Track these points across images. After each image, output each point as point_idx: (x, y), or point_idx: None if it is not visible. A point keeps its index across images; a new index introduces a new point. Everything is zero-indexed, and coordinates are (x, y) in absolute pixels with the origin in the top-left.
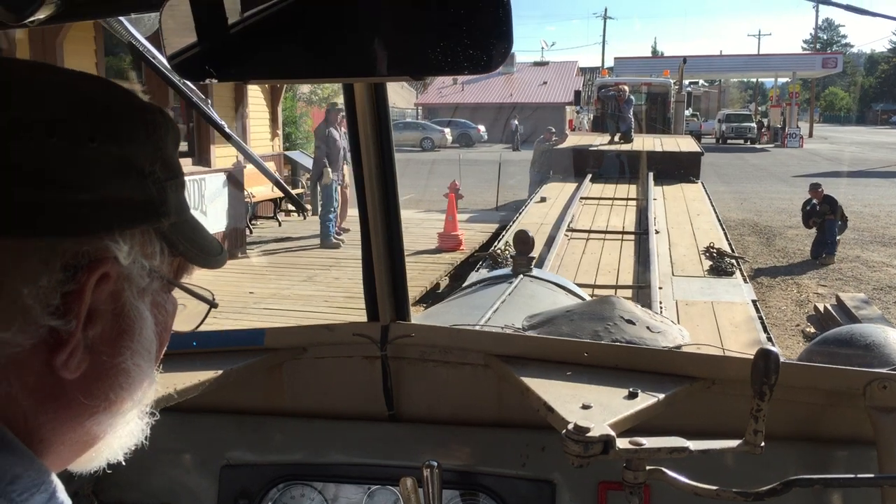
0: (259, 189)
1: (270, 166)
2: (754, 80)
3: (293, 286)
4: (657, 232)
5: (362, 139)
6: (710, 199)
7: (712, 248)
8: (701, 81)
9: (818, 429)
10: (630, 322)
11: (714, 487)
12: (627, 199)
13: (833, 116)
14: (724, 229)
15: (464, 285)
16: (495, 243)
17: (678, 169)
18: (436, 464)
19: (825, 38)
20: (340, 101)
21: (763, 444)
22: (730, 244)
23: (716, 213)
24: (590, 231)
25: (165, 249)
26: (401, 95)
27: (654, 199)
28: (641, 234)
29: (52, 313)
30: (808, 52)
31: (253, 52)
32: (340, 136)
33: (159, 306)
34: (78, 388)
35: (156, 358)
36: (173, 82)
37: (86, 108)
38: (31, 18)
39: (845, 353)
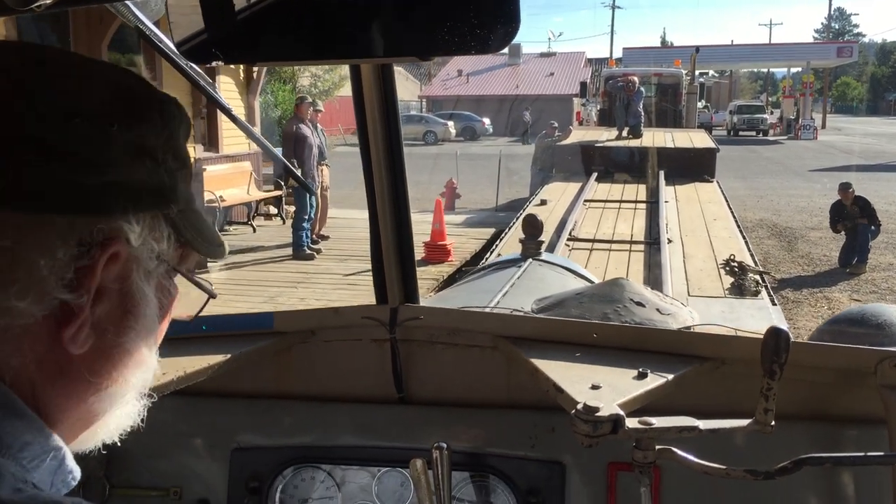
0: (231, 192)
1: (246, 167)
2: (765, 70)
3: (250, 310)
4: (669, 241)
5: (370, 122)
6: (727, 200)
7: (733, 261)
8: (711, 72)
9: (829, 408)
10: (640, 304)
11: (724, 467)
12: (636, 201)
13: (845, 107)
14: (744, 237)
15: (473, 269)
16: (486, 255)
17: (691, 166)
18: (445, 445)
19: (837, 27)
20: (341, 92)
21: (773, 423)
22: (752, 255)
23: (734, 217)
24: (594, 240)
25: (172, 236)
26: (405, 87)
27: (666, 202)
28: (652, 243)
29: (66, 286)
30: (821, 41)
31: (260, 35)
32: (313, 132)
33: (164, 290)
34: (84, 365)
35: (156, 341)
36: (179, 66)
37: (108, 93)
38: (38, 3)
39: (856, 333)
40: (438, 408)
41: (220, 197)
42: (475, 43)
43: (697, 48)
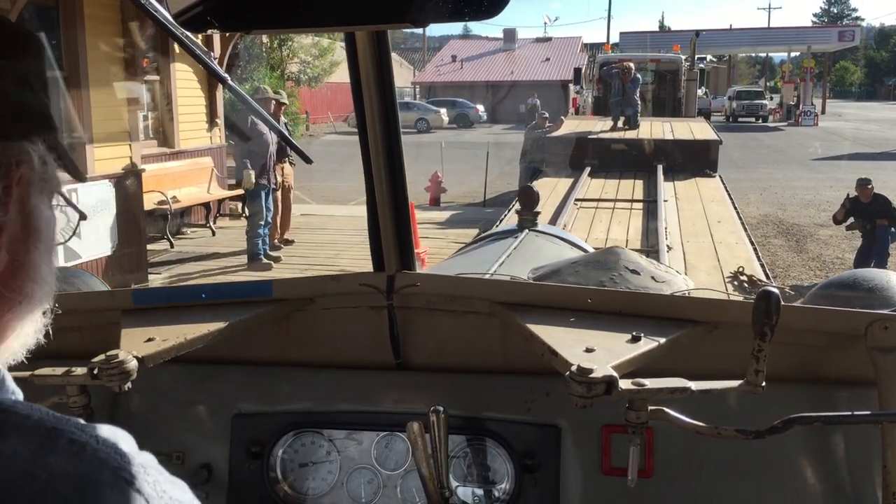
0: (188, 191)
1: (205, 163)
2: (763, 54)
3: None
4: (669, 248)
5: (365, 90)
6: (731, 198)
7: (741, 274)
8: (709, 57)
9: (820, 370)
10: (635, 272)
11: (715, 426)
12: (632, 200)
13: (843, 91)
14: (752, 243)
15: (468, 243)
16: None
17: (692, 160)
18: (442, 409)
19: (835, 11)
20: (332, 78)
21: (764, 384)
22: (763, 266)
23: (740, 218)
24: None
25: (55, 159)
26: (399, 73)
27: (665, 201)
28: (650, 251)
29: None
30: (822, 24)
31: (255, 2)
32: (269, 128)
33: (53, 210)
34: (0, 281)
35: (53, 260)
36: (175, 34)
37: None
38: None
39: (848, 296)
40: (436, 373)
41: (173, 198)
42: (468, 10)
43: (698, 32)
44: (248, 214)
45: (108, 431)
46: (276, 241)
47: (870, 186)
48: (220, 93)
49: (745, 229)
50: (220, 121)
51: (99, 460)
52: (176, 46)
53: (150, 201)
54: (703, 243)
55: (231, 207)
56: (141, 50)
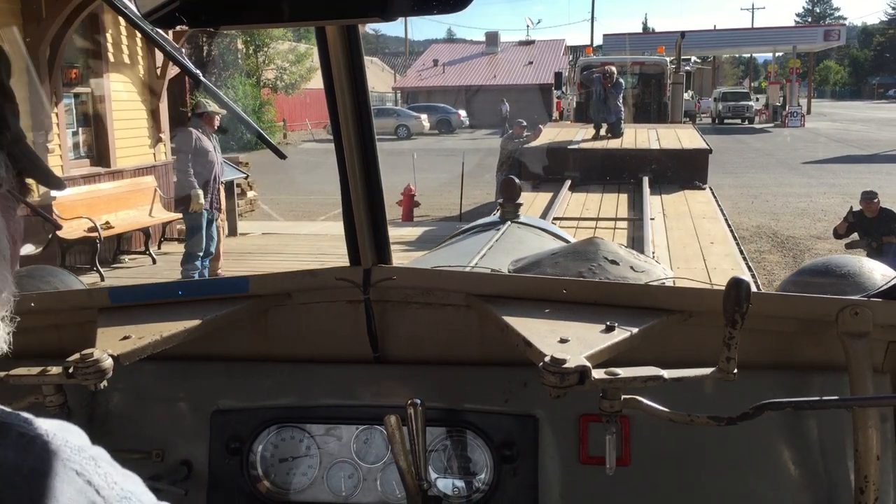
0: (125, 215)
1: (147, 183)
2: (747, 55)
3: None
4: None
5: (336, 84)
6: (723, 213)
7: None
8: (693, 58)
9: (793, 356)
10: (614, 262)
11: (688, 414)
12: (616, 219)
13: (827, 91)
14: (751, 270)
15: (450, 235)
16: None
17: (680, 170)
18: (419, 402)
19: (818, 11)
20: (309, 85)
21: (736, 371)
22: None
23: (734, 237)
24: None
25: (9, 164)
26: (380, 78)
27: (652, 219)
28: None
29: None
30: (807, 24)
31: None
32: (215, 145)
33: (9, 212)
34: None
35: (11, 265)
36: (144, 30)
37: None
38: None
39: (820, 283)
40: (414, 366)
41: (105, 223)
42: (437, 3)
43: (683, 34)
44: (186, 243)
45: (57, 426)
46: (220, 271)
47: (876, 200)
48: (164, 105)
49: (741, 250)
50: (165, 135)
51: (48, 452)
52: (110, 55)
53: (78, 228)
54: (695, 270)
55: (179, 229)
56: (53, 59)
